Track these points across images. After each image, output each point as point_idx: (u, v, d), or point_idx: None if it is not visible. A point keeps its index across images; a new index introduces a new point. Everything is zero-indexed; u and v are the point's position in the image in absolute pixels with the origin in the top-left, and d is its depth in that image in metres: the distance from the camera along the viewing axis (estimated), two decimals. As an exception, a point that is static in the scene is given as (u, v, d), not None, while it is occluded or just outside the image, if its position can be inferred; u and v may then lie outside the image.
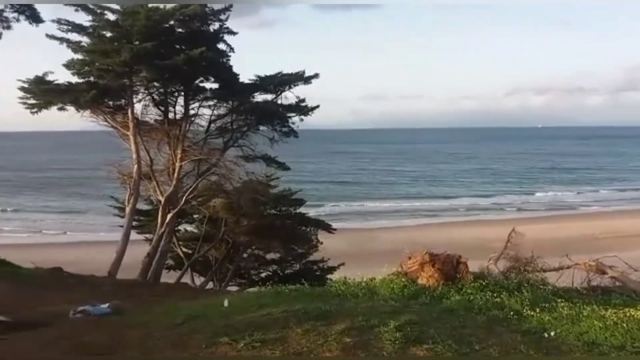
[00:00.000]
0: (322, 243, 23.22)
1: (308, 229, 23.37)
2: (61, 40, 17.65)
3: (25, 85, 18.06)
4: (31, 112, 18.40)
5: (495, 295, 8.57)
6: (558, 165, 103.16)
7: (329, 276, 21.13)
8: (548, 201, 62.13)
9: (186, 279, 21.89)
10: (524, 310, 7.70)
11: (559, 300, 8.36)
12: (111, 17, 17.73)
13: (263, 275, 23.40)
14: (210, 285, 22.06)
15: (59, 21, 17.25)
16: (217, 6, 18.06)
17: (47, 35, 17.36)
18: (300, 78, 20.14)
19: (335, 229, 24.28)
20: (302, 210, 23.88)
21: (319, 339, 6.16)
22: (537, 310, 7.69)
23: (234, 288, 21.90)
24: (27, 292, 11.90)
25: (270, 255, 23.42)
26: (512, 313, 7.58)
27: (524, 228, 13.97)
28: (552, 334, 6.65)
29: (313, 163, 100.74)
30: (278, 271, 23.34)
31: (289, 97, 20.43)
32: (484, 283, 9.26)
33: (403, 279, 9.54)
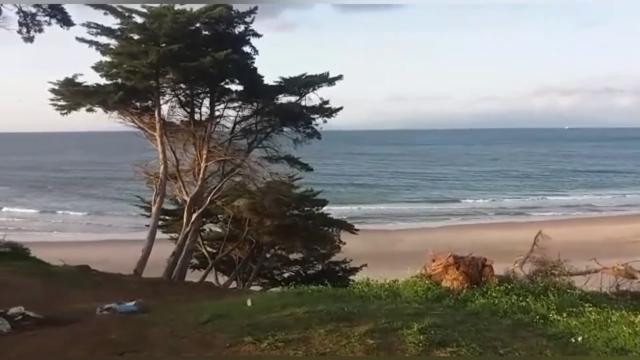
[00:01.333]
0: (344, 244, 23.19)
1: (330, 230, 23.36)
2: (90, 43, 17.96)
3: (56, 87, 18.48)
4: (61, 114, 18.82)
5: (520, 299, 8.45)
6: (585, 167, 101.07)
7: (351, 277, 21.17)
8: (575, 204, 60.89)
9: (210, 278, 22.12)
10: (550, 315, 7.58)
11: (587, 305, 8.21)
12: (139, 20, 17.98)
13: (286, 275, 23.50)
14: (233, 284, 22.24)
15: (88, 24, 17.53)
16: (242, 9, 18.23)
17: (77, 38, 17.72)
18: (324, 79, 20.19)
19: (357, 230, 24.23)
20: (324, 210, 23.93)
21: (342, 340, 6.15)
22: (564, 314, 7.57)
23: (257, 288, 22.05)
24: (56, 289, 12.17)
25: (293, 256, 23.52)
26: (538, 317, 7.47)
27: (550, 231, 13.77)
28: (580, 339, 6.54)
29: (335, 164, 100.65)
30: (300, 271, 23.43)
31: (312, 98, 20.52)
32: (509, 286, 9.15)
33: (427, 282, 9.49)
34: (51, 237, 42.24)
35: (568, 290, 9.52)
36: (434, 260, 9.96)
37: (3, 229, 29.25)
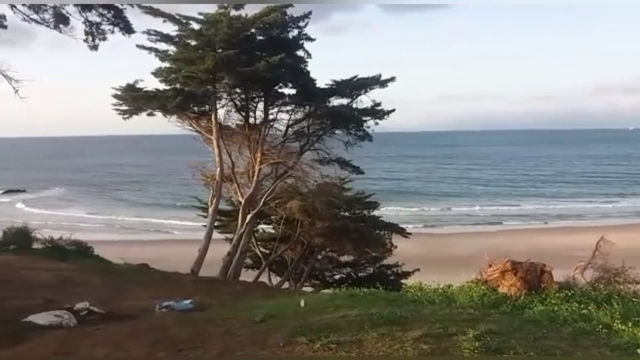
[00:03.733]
0: (396, 247, 23.02)
1: (382, 233, 23.23)
2: (150, 49, 18.66)
3: (118, 92, 19.33)
4: (123, 118, 19.68)
5: (581, 306, 8.11)
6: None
7: (403, 281, 20.96)
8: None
9: (263, 278, 22.48)
10: (614, 324, 7.23)
11: (654, 315, 7.78)
12: (195, 26, 18.51)
13: (337, 277, 23.59)
14: (286, 285, 22.53)
15: (148, 32, 18.22)
16: (296, 13, 18.46)
17: (137, 45, 18.45)
18: (376, 82, 20.13)
19: (410, 233, 24.01)
20: (375, 213, 23.82)
21: (395, 343, 6.10)
22: (630, 324, 7.19)
23: (309, 289, 22.22)
24: (118, 286, 12.61)
25: (344, 258, 23.56)
26: (600, 326, 7.14)
27: (613, 236, 13.15)
28: (646, 350, 6.21)
29: (386, 166, 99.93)
30: (352, 274, 23.45)
31: (364, 100, 20.51)
32: (569, 293, 8.80)
33: (482, 287, 9.26)
34: (112, 236, 44.15)
35: (634, 299, 9.03)
36: (490, 266, 9.71)
37: (68, 228, 30.81)
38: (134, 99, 19.12)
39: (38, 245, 16.36)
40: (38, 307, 8.70)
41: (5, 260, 13.65)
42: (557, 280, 9.53)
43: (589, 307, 8.06)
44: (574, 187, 76.72)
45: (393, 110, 20.84)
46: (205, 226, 20.60)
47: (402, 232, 23.47)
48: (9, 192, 77.24)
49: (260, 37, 18.73)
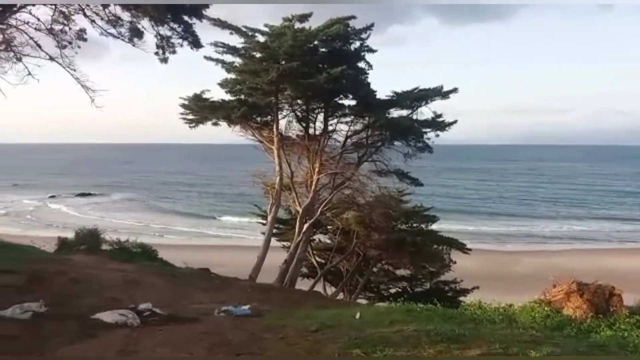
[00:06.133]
0: (455, 263, 22.49)
1: (441, 248, 22.76)
2: (217, 61, 19.30)
3: (185, 102, 20.11)
4: (189, 127, 20.45)
5: (655, 334, 7.65)
6: None
7: (461, 298, 20.43)
8: None
9: (319, 288, 22.59)
10: (691, 355, 6.77)
11: None
12: (261, 38, 19.01)
13: (392, 291, 23.27)
14: (340, 295, 22.49)
15: (215, 44, 18.87)
16: (359, 25, 18.57)
17: (205, 57, 19.11)
18: (437, 93, 19.90)
19: (470, 249, 23.37)
20: (434, 227, 23.38)
21: (453, 362, 5.99)
22: None
23: (363, 301, 22.06)
24: (179, 289, 13.02)
25: (400, 272, 23.25)
26: (675, 357, 6.71)
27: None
28: None
29: (445, 179, 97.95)
30: (408, 288, 23.07)
31: (424, 112, 20.30)
32: (641, 319, 8.32)
33: (546, 308, 8.93)
34: (175, 240, 45.76)
35: None
36: (554, 286, 9.35)
37: (134, 232, 32.23)
38: (200, 109, 19.81)
39: (106, 247, 17.13)
40: (105, 306, 9.13)
41: (77, 261, 14.43)
42: (627, 304, 9.03)
43: (664, 335, 7.58)
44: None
45: (455, 122, 20.50)
46: (263, 234, 20.96)
47: (462, 248, 22.89)
48: (82, 195, 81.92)
49: (323, 49, 18.96)
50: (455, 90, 20.06)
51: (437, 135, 20.51)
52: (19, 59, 11.61)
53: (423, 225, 23.00)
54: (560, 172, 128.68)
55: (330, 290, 23.13)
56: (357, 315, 8.60)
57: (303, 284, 21.93)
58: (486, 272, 29.39)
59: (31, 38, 11.44)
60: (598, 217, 63.06)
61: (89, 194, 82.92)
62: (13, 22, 11.32)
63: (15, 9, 10.97)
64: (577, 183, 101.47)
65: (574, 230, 54.97)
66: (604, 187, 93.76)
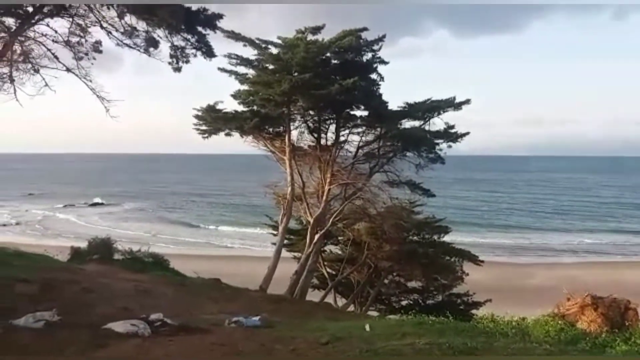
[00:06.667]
0: (467, 275, 22.28)
1: (453, 260, 22.57)
2: (230, 72, 19.51)
3: (199, 113, 20.28)
4: (203, 137, 20.61)
5: (672, 350, 7.50)
6: None
7: (473, 311, 20.24)
8: None
9: (329, 299, 22.46)
10: None
11: None
12: (274, 50, 19.18)
13: (403, 303, 23.13)
14: (351, 307, 22.37)
15: (229, 55, 19.09)
16: (371, 37, 18.67)
17: (218, 68, 19.35)
18: (450, 104, 19.90)
19: (482, 261, 23.14)
20: (446, 239, 23.21)
21: (465, 376, 5.93)
22: None
23: (374, 313, 21.92)
24: (190, 299, 13.02)
25: (411, 284, 23.07)
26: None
27: None
28: None
29: (456, 190, 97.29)
30: (419, 301, 22.91)
31: (437, 123, 20.29)
32: (658, 335, 8.16)
33: (560, 322, 8.80)
34: (187, 250, 45.85)
35: None
36: (568, 299, 9.22)
37: (143, 242, 32.32)
38: (214, 120, 19.97)
39: (118, 256, 17.22)
40: (117, 315, 9.17)
41: (90, 270, 14.52)
42: (643, 319, 8.87)
43: (681, 351, 7.44)
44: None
45: (467, 134, 20.48)
46: (274, 244, 20.96)
47: (475, 260, 22.68)
48: (94, 204, 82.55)
49: (335, 61, 19.07)
50: (467, 101, 20.08)
51: (450, 147, 20.48)
52: (37, 71, 11.80)
53: (435, 237, 22.86)
54: (572, 183, 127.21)
55: (341, 301, 22.99)
56: (367, 328, 8.56)
57: (314, 295, 21.86)
58: (499, 285, 29.06)
59: (49, 50, 11.64)
60: (612, 230, 62.14)
61: (101, 204, 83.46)
62: (31, 34, 11.53)
63: (33, 21, 11.18)
64: (590, 194, 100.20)
65: (588, 242, 54.22)
66: (617, 199, 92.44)
